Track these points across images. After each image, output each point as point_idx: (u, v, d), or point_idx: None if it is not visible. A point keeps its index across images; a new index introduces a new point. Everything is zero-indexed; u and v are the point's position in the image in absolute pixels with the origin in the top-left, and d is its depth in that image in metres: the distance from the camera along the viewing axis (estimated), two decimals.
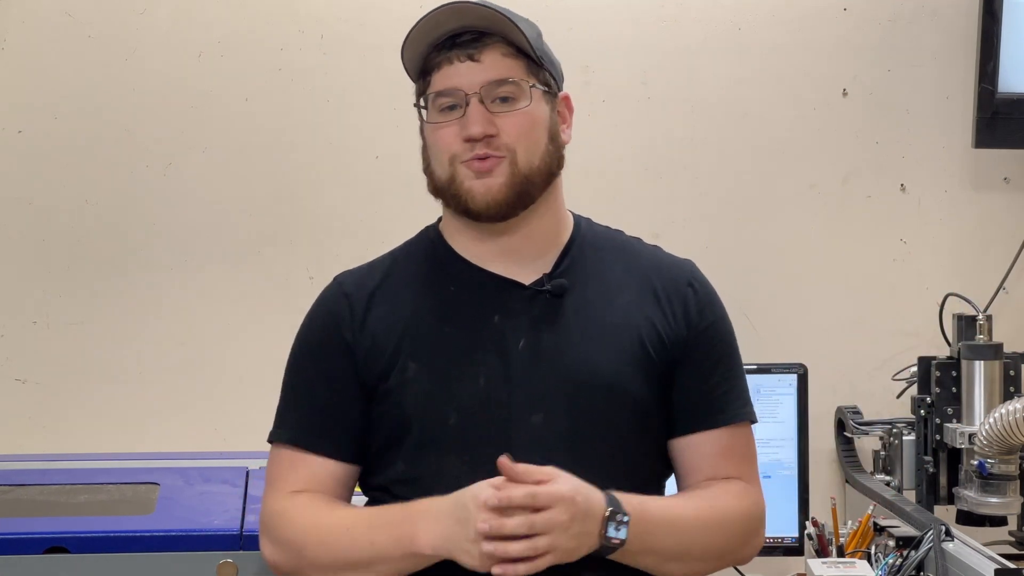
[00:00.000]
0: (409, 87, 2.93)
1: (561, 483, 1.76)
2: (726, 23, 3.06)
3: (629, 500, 1.82)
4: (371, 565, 1.85)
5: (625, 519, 1.79)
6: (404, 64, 1.95)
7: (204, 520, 2.29)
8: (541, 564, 1.75)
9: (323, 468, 1.94)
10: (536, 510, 1.74)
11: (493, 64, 1.89)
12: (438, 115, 1.91)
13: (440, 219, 2.02)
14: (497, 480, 1.76)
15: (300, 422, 1.96)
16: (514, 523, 1.73)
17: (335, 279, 2.01)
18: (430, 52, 1.91)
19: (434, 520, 1.79)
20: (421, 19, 1.88)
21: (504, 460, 1.76)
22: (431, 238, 2.00)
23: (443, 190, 1.92)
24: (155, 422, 2.96)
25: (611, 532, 1.78)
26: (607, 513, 1.78)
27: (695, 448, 1.96)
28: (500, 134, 1.88)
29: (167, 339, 2.98)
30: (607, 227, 2.05)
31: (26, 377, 2.97)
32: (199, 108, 2.98)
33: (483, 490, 1.75)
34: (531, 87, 1.90)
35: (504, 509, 1.74)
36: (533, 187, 1.91)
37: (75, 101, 2.96)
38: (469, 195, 1.89)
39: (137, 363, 2.97)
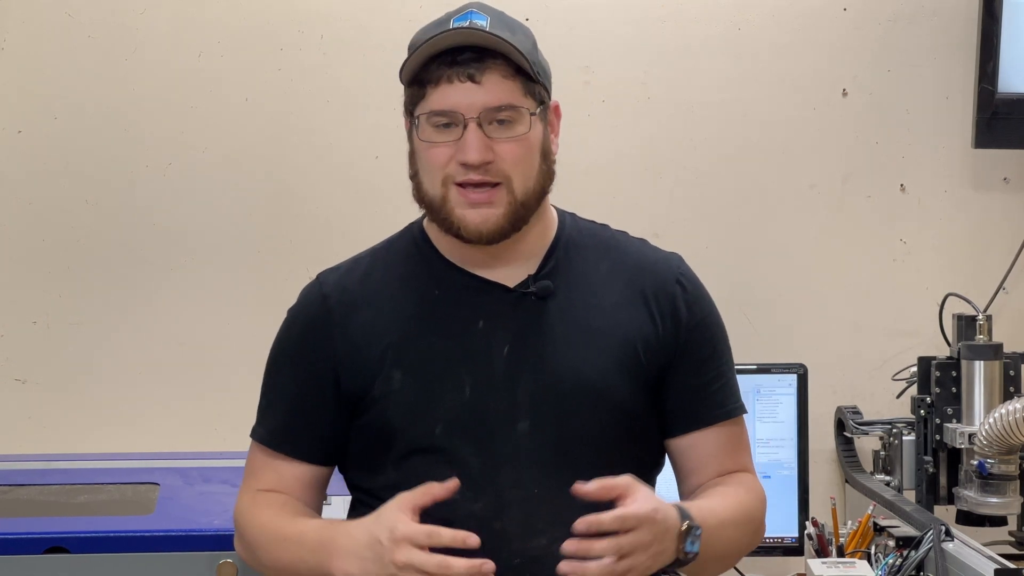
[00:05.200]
0: None
1: (643, 501, 1.74)
2: (726, 23, 3.06)
3: (692, 509, 1.81)
4: None
5: (699, 532, 1.78)
6: (401, 72, 1.91)
7: (204, 520, 2.29)
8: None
9: (290, 470, 1.96)
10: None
11: (493, 87, 1.85)
12: (432, 132, 1.87)
13: (425, 215, 2.00)
14: (407, 500, 1.74)
15: (272, 423, 1.98)
16: (601, 546, 1.70)
17: (316, 278, 2.00)
18: (428, 63, 1.87)
19: (348, 554, 1.78)
20: (423, 41, 1.86)
21: (579, 487, 1.74)
22: (415, 237, 1.99)
23: (433, 209, 1.89)
24: (155, 422, 2.97)
25: (688, 547, 1.78)
26: (684, 528, 1.77)
27: (697, 446, 1.96)
28: (496, 160, 1.85)
29: (167, 339, 2.98)
30: (591, 222, 2.03)
31: (26, 377, 2.97)
32: (199, 108, 2.98)
33: (398, 523, 1.73)
34: (530, 114, 1.87)
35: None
36: (528, 211, 1.89)
37: (75, 101, 2.96)
38: (462, 222, 1.87)
39: (137, 363, 2.97)
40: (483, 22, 1.86)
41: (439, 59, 1.86)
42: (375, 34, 2.98)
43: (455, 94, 1.85)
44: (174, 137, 2.98)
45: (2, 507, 2.46)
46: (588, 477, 1.87)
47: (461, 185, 1.86)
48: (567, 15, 3.03)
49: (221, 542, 2.21)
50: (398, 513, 1.75)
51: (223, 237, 2.99)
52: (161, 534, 2.25)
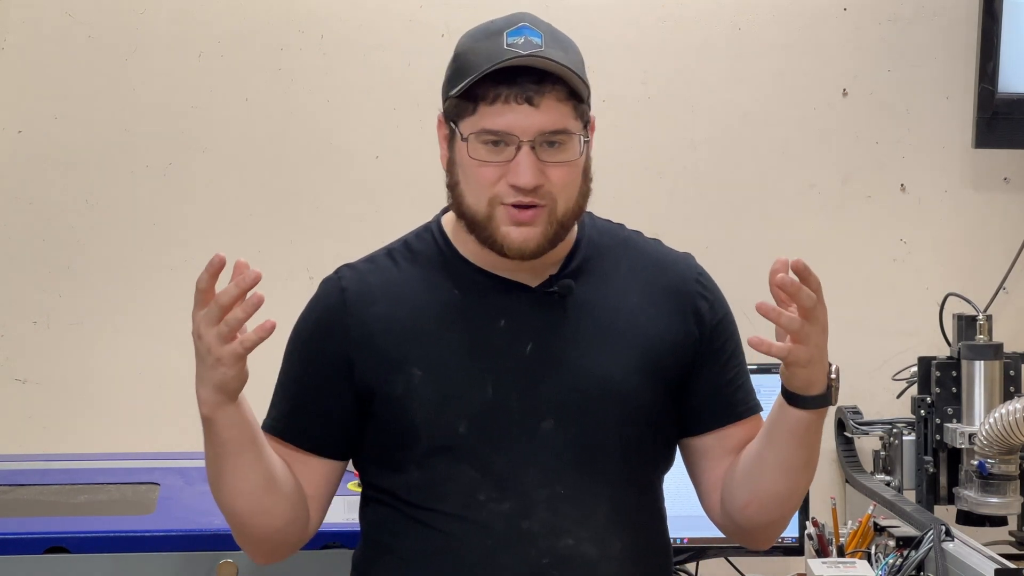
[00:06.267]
0: (408, 87, 2.96)
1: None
2: (726, 23, 3.07)
3: None
4: (219, 481, 1.90)
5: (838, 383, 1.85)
6: (451, 81, 1.88)
7: (204, 520, 2.29)
8: (797, 354, 1.78)
9: (294, 461, 1.94)
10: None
11: (550, 111, 1.82)
12: (483, 150, 1.84)
13: (443, 212, 1.99)
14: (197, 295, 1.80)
15: (283, 413, 1.97)
16: (806, 293, 1.75)
17: (336, 271, 1.99)
18: (484, 78, 1.83)
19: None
20: (482, 58, 1.82)
21: (787, 264, 1.77)
22: (434, 236, 1.97)
23: (476, 224, 1.87)
24: (155, 422, 2.97)
25: (836, 383, 1.85)
26: (833, 366, 1.85)
27: (718, 444, 1.96)
28: (546, 183, 1.84)
29: (167, 339, 2.98)
30: (608, 221, 2.03)
31: (26, 377, 2.97)
32: (199, 108, 2.98)
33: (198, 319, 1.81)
34: (584, 140, 1.86)
35: None
36: (565, 230, 1.88)
37: (75, 101, 2.96)
38: (505, 240, 1.85)
39: (137, 363, 2.97)
40: (538, 39, 1.83)
41: (496, 76, 1.82)
42: (375, 34, 2.98)
43: (511, 116, 1.82)
44: (174, 137, 2.98)
45: (2, 507, 2.46)
46: (612, 476, 1.87)
47: (508, 205, 1.85)
48: (567, 15, 2.99)
49: (221, 542, 2.21)
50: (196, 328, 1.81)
51: (223, 237, 2.99)
52: (161, 534, 2.25)
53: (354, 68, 3.00)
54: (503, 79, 1.82)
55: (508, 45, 1.83)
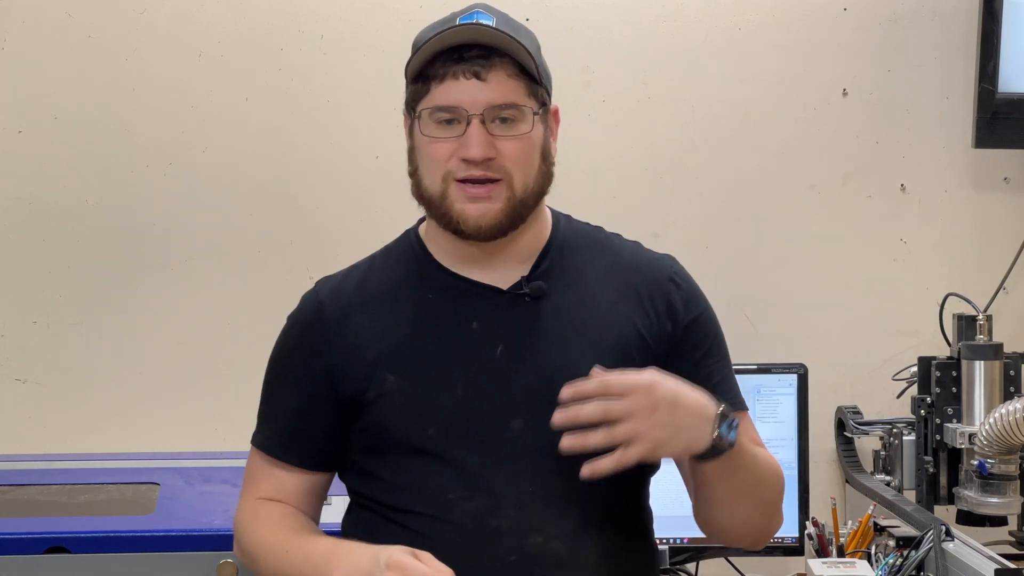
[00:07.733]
0: None
1: (640, 374, 1.75)
2: (726, 23, 3.07)
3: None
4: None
5: (735, 423, 1.79)
6: (407, 68, 1.91)
7: (204, 520, 2.30)
8: (631, 455, 1.73)
9: (290, 479, 1.97)
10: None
11: (498, 85, 1.85)
12: (435, 128, 1.87)
13: (421, 220, 2.01)
14: (416, 551, 1.76)
15: (271, 430, 1.99)
16: (589, 409, 1.73)
17: (315, 286, 2.01)
18: (433, 59, 1.87)
19: (349, 564, 1.79)
20: (430, 37, 1.86)
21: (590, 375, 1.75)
22: (411, 242, 1.99)
23: (432, 204, 1.90)
24: (155, 422, 2.97)
25: (724, 431, 1.77)
26: (720, 410, 1.78)
27: None
28: (498, 157, 1.86)
29: (167, 339, 2.98)
30: (586, 224, 2.04)
31: (26, 377, 2.97)
32: (199, 108, 2.98)
33: (397, 552, 1.75)
34: (533, 113, 1.88)
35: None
36: (526, 209, 1.90)
37: (75, 101, 2.96)
38: (461, 216, 1.87)
39: (137, 363, 2.97)
40: (489, 22, 1.87)
41: (445, 56, 1.86)
42: (375, 34, 2.99)
43: (460, 90, 1.85)
44: (174, 137, 2.98)
45: (2, 507, 2.46)
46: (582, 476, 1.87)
47: (462, 181, 1.87)
48: (567, 15, 3.03)
49: (221, 542, 2.22)
50: (402, 549, 1.77)
51: (223, 237, 2.99)
52: (161, 534, 2.25)
53: (354, 68, 3.00)
54: (452, 57, 1.86)
55: (461, 25, 1.86)
